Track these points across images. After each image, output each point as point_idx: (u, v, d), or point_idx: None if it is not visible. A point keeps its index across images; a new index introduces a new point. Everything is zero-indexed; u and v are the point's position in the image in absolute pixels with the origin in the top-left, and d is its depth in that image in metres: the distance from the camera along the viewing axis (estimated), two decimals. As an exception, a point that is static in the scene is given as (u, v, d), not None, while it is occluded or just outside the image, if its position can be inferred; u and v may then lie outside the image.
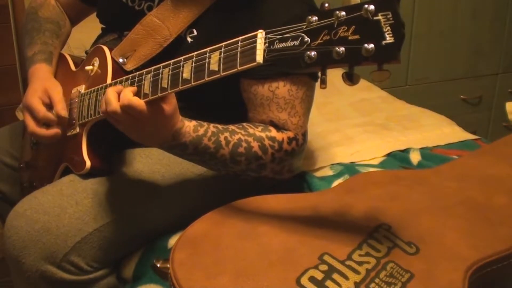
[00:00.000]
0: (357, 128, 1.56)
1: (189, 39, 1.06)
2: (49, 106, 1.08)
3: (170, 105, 0.88)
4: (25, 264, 0.95)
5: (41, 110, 1.06)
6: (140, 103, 0.85)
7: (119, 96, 0.86)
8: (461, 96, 2.79)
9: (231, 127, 1.00)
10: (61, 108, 1.06)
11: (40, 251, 0.94)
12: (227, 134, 0.97)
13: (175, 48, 1.05)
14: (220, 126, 0.98)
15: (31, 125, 1.07)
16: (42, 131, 1.06)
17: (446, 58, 2.69)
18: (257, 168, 1.02)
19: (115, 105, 0.85)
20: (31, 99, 1.07)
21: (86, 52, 1.25)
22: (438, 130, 1.58)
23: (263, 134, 1.01)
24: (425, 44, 2.59)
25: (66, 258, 0.95)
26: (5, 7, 2.02)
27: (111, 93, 0.87)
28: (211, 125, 0.97)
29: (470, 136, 1.54)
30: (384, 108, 1.77)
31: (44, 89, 1.09)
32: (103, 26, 1.26)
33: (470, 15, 2.68)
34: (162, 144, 0.93)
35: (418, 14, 2.53)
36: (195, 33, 1.06)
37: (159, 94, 0.86)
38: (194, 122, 0.95)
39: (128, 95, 0.85)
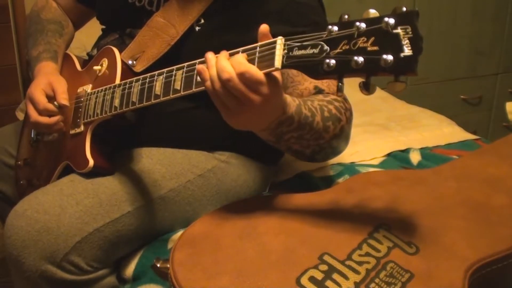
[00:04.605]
0: (357, 128, 1.56)
1: (197, 28, 1.07)
2: (52, 98, 1.08)
3: (280, 74, 0.81)
4: (25, 264, 0.95)
5: (42, 101, 1.07)
6: (258, 71, 0.77)
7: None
8: (461, 96, 2.79)
9: (303, 98, 0.96)
10: (63, 98, 1.07)
11: (40, 251, 0.94)
12: (309, 103, 0.93)
13: (184, 37, 1.06)
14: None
15: (34, 114, 1.07)
16: (45, 119, 1.07)
17: (446, 58, 2.69)
18: (340, 132, 0.97)
19: (230, 71, 0.77)
20: (34, 90, 1.08)
21: (88, 54, 1.25)
22: (438, 130, 1.58)
23: (328, 98, 0.98)
24: (425, 44, 2.57)
25: (66, 258, 0.95)
26: (5, 7, 2.02)
27: (223, 60, 0.78)
28: None
29: (470, 136, 1.54)
30: (384, 108, 1.77)
31: (48, 81, 1.10)
32: (103, 27, 1.26)
33: (470, 15, 2.68)
34: (271, 123, 0.86)
35: (418, 14, 2.53)
36: (202, 21, 1.06)
37: (171, 96, 0.87)
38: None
39: (243, 61, 0.78)
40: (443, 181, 1.06)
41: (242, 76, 0.77)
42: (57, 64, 1.19)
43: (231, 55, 0.80)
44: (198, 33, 1.06)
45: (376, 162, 1.37)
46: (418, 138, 1.51)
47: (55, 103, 1.07)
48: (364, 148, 1.43)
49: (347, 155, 1.37)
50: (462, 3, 2.63)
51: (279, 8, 1.04)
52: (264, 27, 0.80)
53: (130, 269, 1.04)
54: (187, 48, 1.05)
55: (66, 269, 0.96)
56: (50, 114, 1.07)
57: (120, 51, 1.09)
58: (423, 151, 1.42)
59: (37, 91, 1.08)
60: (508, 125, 2.72)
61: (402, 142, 1.47)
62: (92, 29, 1.33)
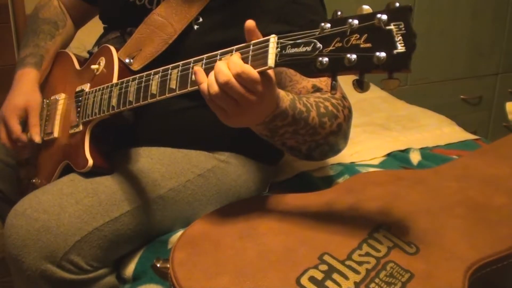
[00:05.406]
0: (357, 128, 1.56)
1: (195, 27, 1.07)
2: (25, 123, 1.12)
3: (273, 72, 0.80)
4: (25, 263, 0.95)
5: (16, 131, 1.11)
6: (253, 70, 0.76)
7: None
8: (461, 96, 2.79)
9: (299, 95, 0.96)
10: (35, 133, 1.11)
11: (40, 250, 0.94)
12: (304, 99, 0.93)
13: (182, 35, 1.06)
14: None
15: (4, 138, 1.12)
16: (14, 147, 1.13)
17: (446, 58, 2.69)
18: (337, 129, 0.96)
19: (227, 74, 0.76)
20: (10, 115, 1.12)
21: (89, 52, 1.25)
22: (438, 130, 1.58)
23: (325, 95, 0.98)
24: (425, 44, 2.59)
25: (66, 257, 0.95)
26: (5, 7, 2.02)
27: (221, 63, 0.78)
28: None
29: (470, 136, 1.54)
30: (384, 108, 1.77)
31: (24, 106, 1.13)
32: (105, 26, 1.26)
33: (470, 15, 2.68)
34: (265, 118, 0.85)
35: (418, 14, 2.53)
36: (201, 19, 1.07)
37: (167, 95, 0.87)
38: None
39: (239, 61, 0.77)
40: (443, 181, 1.06)
41: (239, 77, 0.76)
42: (39, 71, 1.20)
43: (224, 53, 0.80)
44: (197, 31, 1.06)
45: (376, 162, 1.37)
46: (418, 138, 1.51)
47: (28, 135, 1.11)
48: (364, 148, 1.43)
49: (347, 155, 1.37)
50: (462, 3, 2.64)
51: (278, 7, 1.03)
52: (250, 23, 0.78)
53: (130, 269, 1.04)
54: (186, 47, 1.05)
55: (66, 269, 0.96)
56: (21, 143, 1.12)
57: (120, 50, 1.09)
58: (423, 151, 1.42)
59: (12, 116, 1.11)
60: (508, 125, 2.72)
61: (402, 142, 1.47)
62: (92, 29, 1.33)
